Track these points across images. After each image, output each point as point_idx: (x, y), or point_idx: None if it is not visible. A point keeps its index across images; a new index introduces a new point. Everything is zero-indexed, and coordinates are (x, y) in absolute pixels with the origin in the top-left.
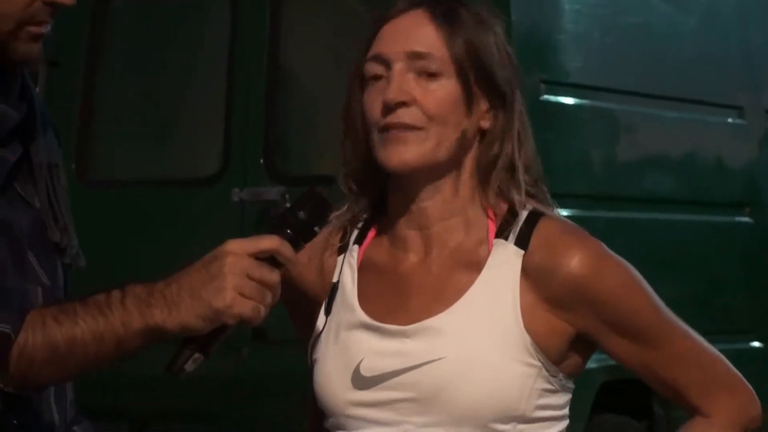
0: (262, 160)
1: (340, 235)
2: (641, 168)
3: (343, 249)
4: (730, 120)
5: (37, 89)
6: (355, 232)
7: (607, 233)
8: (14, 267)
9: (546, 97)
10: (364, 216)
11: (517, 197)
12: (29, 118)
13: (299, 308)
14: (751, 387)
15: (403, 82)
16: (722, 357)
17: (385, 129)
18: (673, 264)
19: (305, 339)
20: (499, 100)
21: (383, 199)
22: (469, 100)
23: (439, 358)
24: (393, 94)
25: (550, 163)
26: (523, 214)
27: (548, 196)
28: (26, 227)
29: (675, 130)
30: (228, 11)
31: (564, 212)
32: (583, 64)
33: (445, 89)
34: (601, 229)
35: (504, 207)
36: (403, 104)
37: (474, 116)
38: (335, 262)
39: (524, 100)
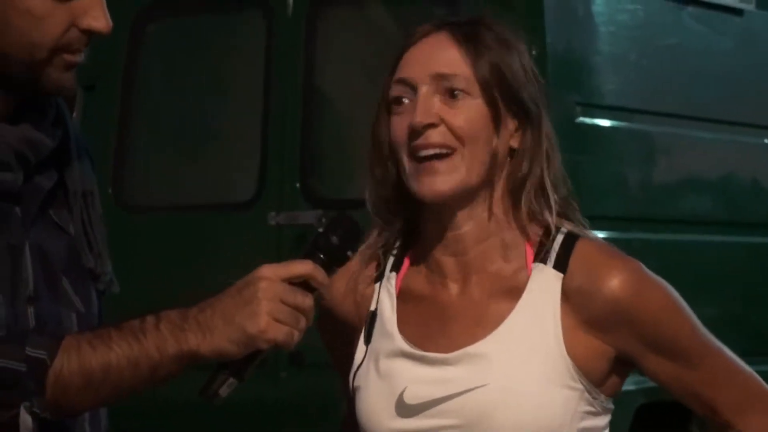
0: (298, 184)
1: (375, 263)
2: (677, 189)
3: (379, 277)
4: (765, 141)
5: (74, 115)
6: (391, 260)
7: (643, 255)
8: (49, 293)
9: (581, 119)
10: (398, 243)
11: (549, 217)
12: (64, 145)
13: (336, 338)
14: None
15: (429, 105)
16: (755, 375)
17: (415, 154)
18: (710, 285)
19: (343, 369)
20: (526, 119)
21: (415, 222)
22: (496, 120)
23: (483, 385)
24: (420, 116)
25: (586, 185)
26: (560, 237)
27: (579, 214)
28: (61, 254)
29: (710, 152)
30: (263, 34)
31: (599, 234)
32: (619, 86)
33: (471, 109)
34: (637, 251)
35: (537, 228)
36: (430, 126)
37: (503, 136)
38: (372, 290)
39: (560, 123)
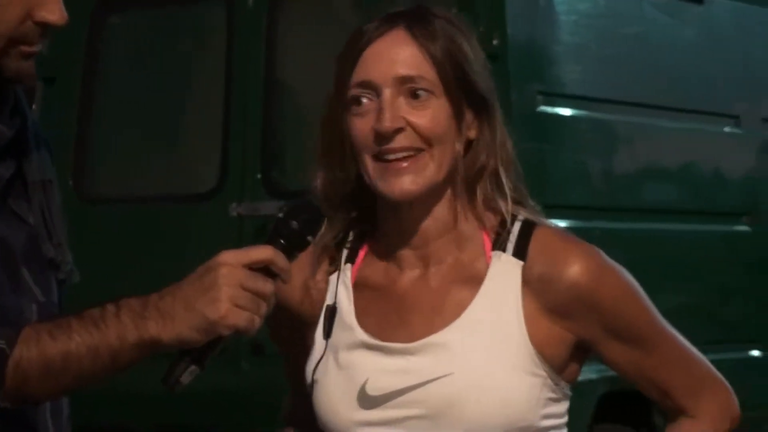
0: (259, 175)
1: (328, 257)
2: (639, 178)
3: (333, 270)
4: (727, 129)
5: (33, 106)
6: (345, 252)
7: (606, 244)
8: (9, 283)
9: (543, 108)
10: (352, 235)
11: (503, 203)
12: (22, 135)
13: (287, 331)
14: (730, 387)
15: (395, 109)
16: (705, 360)
17: (382, 157)
18: (672, 274)
19: (292, 362)
20: (482, 108)
21: (369, 214)
22: (459, 116)
23: (447, 374)
24: (388, 122)
25: (548, 175)
26: (517, 224)
27: (530, 199)
28: (20, 244)
29: (672, 140)
30: (224, 25)
31: (562, 223)
32: (580, 75)
33: (435, 109)
34: (600, 240)
35: (493, 217)
36: (398, 131)
37: (464, 129)
38: (327, 283)
39: (521, 112)
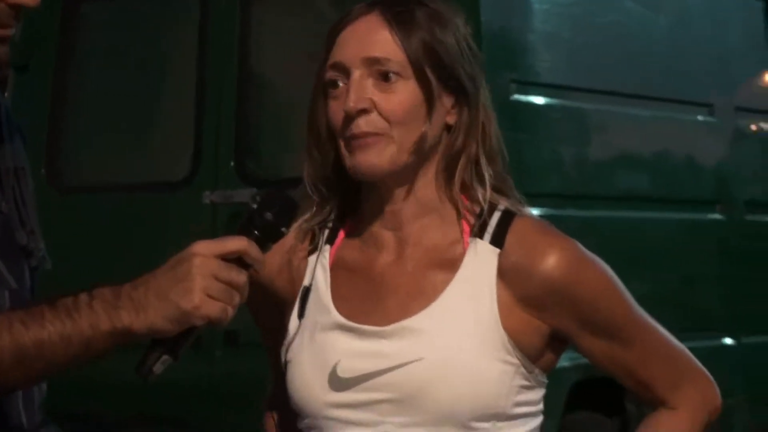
0: (232, 163)
1: (309, 237)
2: (613, 166)
3: (313, 251)
4: (700, 117)
5: (6, 94)
6: (326, 233)
7: (580, 232)
8: None
9: (516, 96)
10: (333, 216)
11: (482, 191)
12: None
13: (265, 312)
14: (712, 378)
15: (361, 89)
16: (686, 350)
17: (349, 138)
18: (646, 262)
19: (272, 343)
20: (463, 95)
21: (351, 200)
22: (430, 101)
23: (418, 359)
24: (353, 102)
25: (522, 163)
26: (497, 213)
27: (515, 190)
28: None
29: (646, 129)
30: (198, 14)
31: (536, 211)
32: (554, 64)
33: (404, 92)
34: (574, 229)
35: (473, 204)
36: (363, 111)
37: (438, 114)
38: (306, 264)
39: (495, 100)
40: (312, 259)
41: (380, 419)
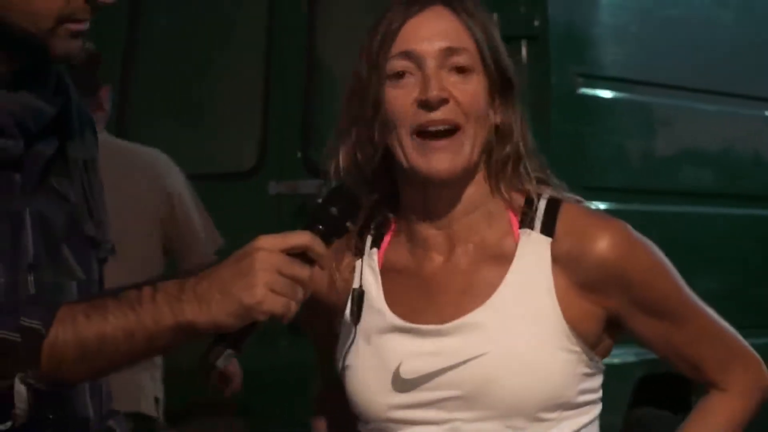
0: (299, 154)
1: (354, 240)
2: (678, 161)
3: (359, 253)
4: (766, 113)
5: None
6: (370, 236)
7: (644, 226)
8: (50, 261)
9: (583, 90)
10: (376, 218)
11: (530, 185)
12: (65, 113)
13: (317, 319)
14: (761, 359)
15: (440, 79)
16: (736, 332)
17: (422, 130)
18: (710, 257)
19: (322, 348)
20: (510, 92)
21: (391, 197)
22: (493, 95)
23: (482, 354)
24: (435, 91)
25: (587, 157)
26: (542, 202)
27: (555, 179)
28: (62, 221)
29: (712, 123)
30: (266, 1)
31: (601, 205)
32: (620, 58)
33: (477, 84)
34: (638, 223)
35: (518, 197)
36: (444, 101)
37: (493, 112)
38: (353, 268)
39: (561, 94)
40: (359, 263)
41: (448, 416)
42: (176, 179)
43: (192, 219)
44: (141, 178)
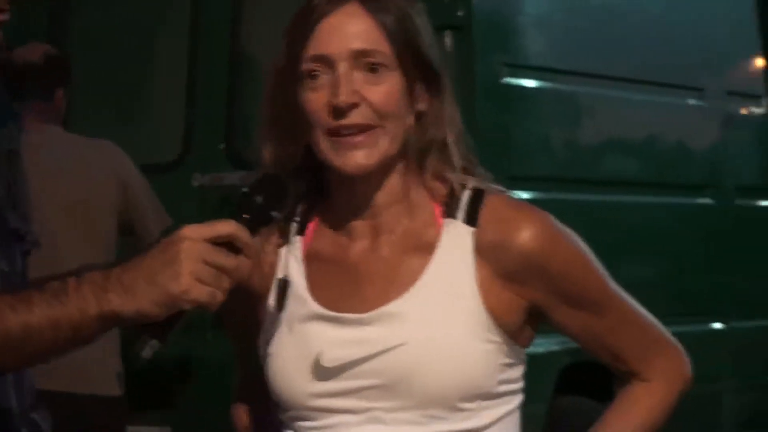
0: (222, 146)
1: (277, 229)
2: (603, 150)
3: (283, 243)
4: (691, 102)
5: None
6: (295, 225)
7: (569, 216)
8: None
9: (507, 79)
10: (300, 207)
11: (453, 175)
12: None
13: (238, 307)
14: (683, 349)
15: (350, 83)
16: (657, 322)
17: (336, 132)
18: (636, 246)
19: (240, 337)
20: (434, 82)
21: (317, 188)
22: (411, 89)
23: (402, 344)
24: (344, 96)
25: (512, 146)
26: (466, 192)
27: (481, 169)
28: None
29: (636, 112)
30: None
31: (525, 195)
32: (545, 47)
33: (391, 84)
34: (563, 212)
35: (442, 187)
36: (354, 105)
37: (414, 103)
38: (277, 256)
39: (486, 83)
40: (283, 251)
41: (368, 405)
42: (129, 167)
43: (144, 204)
44: (97, 169)
